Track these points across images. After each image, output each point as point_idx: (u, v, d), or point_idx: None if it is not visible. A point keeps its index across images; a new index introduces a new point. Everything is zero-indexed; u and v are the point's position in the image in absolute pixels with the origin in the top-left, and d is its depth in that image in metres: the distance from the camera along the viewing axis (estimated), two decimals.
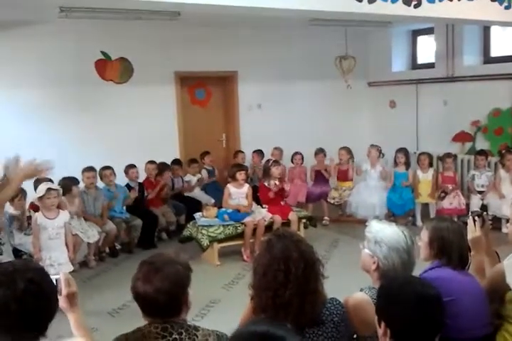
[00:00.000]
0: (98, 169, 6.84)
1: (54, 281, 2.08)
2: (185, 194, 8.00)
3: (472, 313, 2.67)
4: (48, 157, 7.07)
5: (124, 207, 7.15)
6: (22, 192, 5.91)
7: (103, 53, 7.89)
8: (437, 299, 2.14)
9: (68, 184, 6.07)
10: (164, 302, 2.14)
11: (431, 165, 7.96)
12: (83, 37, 7.60)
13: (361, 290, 2.60)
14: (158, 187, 7.45)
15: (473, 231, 2.97)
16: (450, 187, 7.61)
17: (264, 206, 6.92)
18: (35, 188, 5.83)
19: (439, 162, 8.29)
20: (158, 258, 2.27)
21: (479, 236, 2.98)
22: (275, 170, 6.98)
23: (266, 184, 7.01)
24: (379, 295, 2.23)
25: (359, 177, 8.32)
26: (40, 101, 7.41)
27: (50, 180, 5.60)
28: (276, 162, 7.21)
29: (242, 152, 8.68)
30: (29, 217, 5.77)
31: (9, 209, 5.71)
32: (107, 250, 6.87)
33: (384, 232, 2.61)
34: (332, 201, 8.25)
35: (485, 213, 3.12)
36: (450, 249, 2.75)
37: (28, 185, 6.01)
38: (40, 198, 5.18)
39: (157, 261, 2.24)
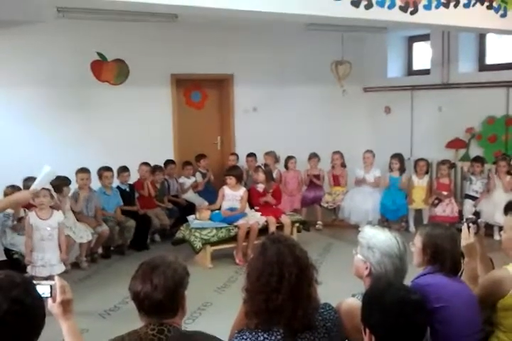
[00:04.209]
0: (92, 170, 6.81)
1: (49, 287, 2.06)
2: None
3: (463, 320, 2.67)
4: (42, 156, 7.13)
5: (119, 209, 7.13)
6: (19, 191, 5.88)
7: (99, 54, 7.87)
8: (419, 304, 2.15)
9: (59, 184, 6.03)
10: (161, 299, 2.16)
11: (427, 172, 7.98)
12: (80, 37, 7.58)
13: (353, 295, 2.60)
14: (150, 184, 7.46)
15: (467, 237, 2.98)
16: (445, 193, 7.62)
17: (255, 208, 6.94)
18: (24, 187, 5.82)
19: (433, 168, 8.31)
20: (157, 259, 2.30)
21: (473, 243, 2.98)
22: (256, 177, 7.11)
23: (255, 186, 7.13)
24: (363, 302, 2.24)
25: (351, 183, 8.34)
26: (35, 101, 7.38)
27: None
28: (257, 168, 7.23)
29: (234, 154, 8.68)
30: (22, 218, 5.74)
31: None
32: (100, 251, 6.85)
33: (377, 238, 2.61)
34: (326, 205, 8.26)
35: (480, 220, 3.12)
36: (443, 255, 2.75)
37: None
38: None
39: (156, 261, 2.27)
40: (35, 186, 4.11)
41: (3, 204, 3.89)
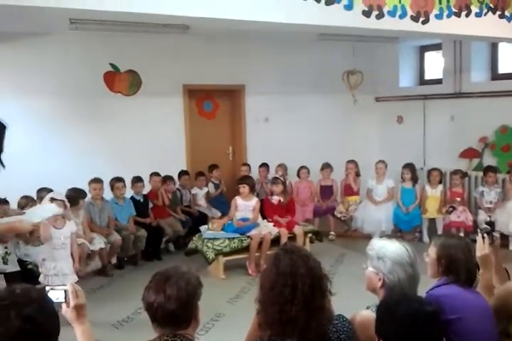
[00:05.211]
0: (105, 180, 6.84)
1: (63, 292, 2.10)
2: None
3: (479, 331, 2.64)
4: (56, 166, 7.18)
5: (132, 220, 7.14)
6: (33, 201, 5.92)
7: (112, 65, 7.94)
8: (434, 316, 2.13)
9: (75, 196, 6.05)
10: (174, 310, 2.15)
11: (440, 181, 7.93)
12: (93, 49, 7.67)
13: (367, 307, 2.58)
14: (164, 193, 7.49)
15: (481, 248, 2.95)
16: (458, 199, 7.56)
17: (269, 220, 6.92)
18: (38, 198, 5.87)
19: (447, 178, 8.26)
20: (170, 269, 2.30)
21: (488, 254, 2.95)
22: (275, 188, 7.07)
23: (270, 198, 7.14)
24: (377, 313, 2.22)
25: (365, 193, 8.30)
26: (48, 112, 7.45)
27: (51, 191, 5.61)
28: (276, 179, 7.22)
29: (246, 164, 8.67)
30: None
31: None
32: (114, 261, 6.85)
33: (386, 248, 2.61)
34: (339, 215, 8.21)
35: (496, 232, 3.09)
36: (458, 266, 2.73)
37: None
38: None
39: (169, 272, 2.27)
40: (37, 219, 4.12)
41: (2, 230, 3.90)
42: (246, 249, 6.53)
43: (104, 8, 4.39)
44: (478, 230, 3.09)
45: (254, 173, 8.49)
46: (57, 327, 1.77)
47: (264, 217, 6.96)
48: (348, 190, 8.32)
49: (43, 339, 1.70)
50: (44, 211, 4.25)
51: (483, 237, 2.98)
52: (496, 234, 3.09)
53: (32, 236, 5.64)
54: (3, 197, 5.68)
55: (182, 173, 8.06)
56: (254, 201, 6.79)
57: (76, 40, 7.33)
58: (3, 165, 3.16)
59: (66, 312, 2.12)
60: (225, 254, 6.44)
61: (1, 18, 5.79)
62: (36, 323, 1.66)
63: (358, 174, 8.39)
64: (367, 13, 5.42)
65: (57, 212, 4.48)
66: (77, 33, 6.67)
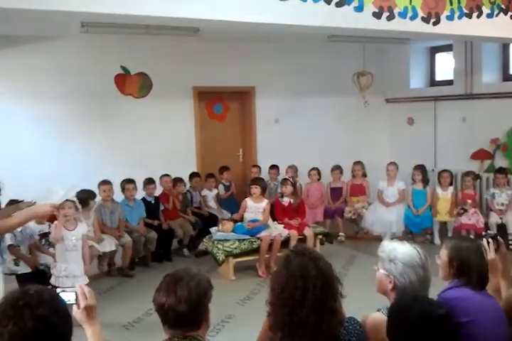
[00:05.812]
0: (116, 182, 6.85)
1: (74, 294, 2.12)
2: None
3: (491, 335, 2.62)
4: (67, 168, 7.21)
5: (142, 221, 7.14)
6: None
7: (123, 68, 7.97)
8: (446, 319, 2.11)
9: (85, 197, 6.08)
10: (185, 311, 2.15)
11: (451, 183, 7.89)
12: (103, 52, 7.70)
13: (378, 310, 2.57)
14: (175, 199, 7.51)
15: (487, 253, 2.93)
16: (469, 201, 7.51)
17: (279, 222, 6.91)
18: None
19: (458, 180, 8.22)
20: (181, 271, 2.30)
21: (494, 259, 2.93)
22: (284, 189, 7.05)
23: (280, 200, 7.10)
24: (388, 316, 2.21)
25: (375, 195, 8.27)
26: (59, 115, 7.49)
27: None
28: (285, 180, 7.21)
29: (256, 166, 8.67)
30: (45, 234, 5.77)
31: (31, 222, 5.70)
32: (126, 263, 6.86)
33: (397, 250, 2.61)
34: (349, 215, 8.16)
35: (506, 238, 3.07)
36: (469, 268, 2.71)
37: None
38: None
39: (180, 273, 2.27)
40: (56, 201, 4.13)
41: (23, 218, 3.90)
42: (256, 251, 6.52)
43: (115, 11, 4.41)
44: (483, 235, 3.07)
45: (265, 175, 8.47)
46: (69, 327, 1.80)
47: (274, 219, 6.95)
48: (354, 191, 8.31)
49: (56, 339, 1.72)
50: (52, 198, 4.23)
51: (488, 242, 2.97)
52: (501, 240, 3.07)
53: (44, 237, 5.68)
54: (20, 200, 5.71)
55: (193, 175, 8.07)
56: (264, 203, 6.79)
57: (87, 43, 7.36)
58: None
59: (76, 313, 2.14)
60: (235, 256, 6.44)
61: (13, 21, 5.84)
62: (49, 323, 1.69)
63: (364, 175, 8.38)
64: (377, 15, 5.42)
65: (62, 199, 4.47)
66: (88, 36, 6.72)
